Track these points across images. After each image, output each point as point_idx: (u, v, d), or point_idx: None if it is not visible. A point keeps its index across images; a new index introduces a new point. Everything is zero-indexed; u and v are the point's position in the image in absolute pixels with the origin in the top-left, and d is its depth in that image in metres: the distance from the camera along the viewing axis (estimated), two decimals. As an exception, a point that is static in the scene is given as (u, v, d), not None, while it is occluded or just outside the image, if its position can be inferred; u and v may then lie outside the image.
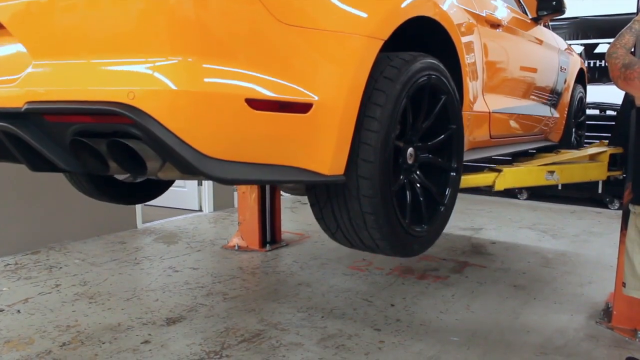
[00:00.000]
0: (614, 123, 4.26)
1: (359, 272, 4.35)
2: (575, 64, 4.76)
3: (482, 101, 2.90)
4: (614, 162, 3.97)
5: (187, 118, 1.52)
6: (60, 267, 4.40)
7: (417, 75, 2.08)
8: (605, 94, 6.78)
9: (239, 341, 3.08)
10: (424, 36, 2.38)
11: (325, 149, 1.81)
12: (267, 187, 4.99)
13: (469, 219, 6.55)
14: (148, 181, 3.29)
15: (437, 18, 2.30)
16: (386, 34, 1.96)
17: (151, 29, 1.55)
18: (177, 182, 6.80)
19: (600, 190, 7.32)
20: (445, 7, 2.40)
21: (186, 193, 6.88)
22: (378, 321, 3.38)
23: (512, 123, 3.44)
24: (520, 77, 3.59)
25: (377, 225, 2.01)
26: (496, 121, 3.11)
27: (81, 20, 1.67)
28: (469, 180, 3.01)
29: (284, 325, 3.30)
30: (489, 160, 3.70)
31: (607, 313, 3.46)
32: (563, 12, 3.85)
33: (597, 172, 3.95)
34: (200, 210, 6.84)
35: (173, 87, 1.50)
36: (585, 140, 5.33)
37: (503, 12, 3.27)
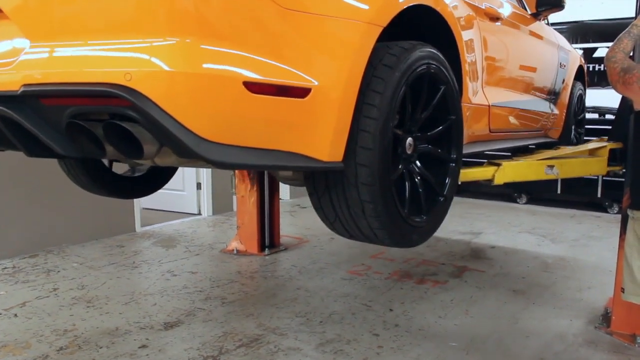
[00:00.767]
0: (613, 117, 4.24)
1: (358, 277, 4.34)
2: (575, 61, 4.76)
3: (481, 94, 2.90)
4: (613, 157, 3.95)
5: (184, 100, 1.51)
6: (58, 271, 4.39)
7: (416, 63, 2.07)
8: (605, 98, 6.78)
9: (237, 346, 3.07)
10: (422, 28, 2.37)
11: (323, 135, 1.80)
12: (266, 191, 4.99)
13: (468, 223, 6.55)
14: (145, 175, 3.29)
15: (436, 7, 2.29)
16: (385, 20, 1.96)
17: (148, 9, 1.54)
18: (176, 186, 6.82)
19: (599, 195, 7.32)
20: None
21: (185, 197, 6.87)
22: (376, 326, 3.37)
23: (512, 117, 3.44)
24: (520, 72, 3.59)
25: (375, 213, 1.99)
26: (496, 115, 3.10)
27: (77, 1, 1.66)
28: (468, 174, 3.00)
29: (283, 330, 3.29)
30: (489, 156, 3.69)
31: (606, 318, 3.45)
32: (562, 8, 3.84)
33: (597, 167, 3.94)
34: (199, 213, 6.83)
35: (170, 68, 1.49)
36: (585, 139, 5.31)
37: (502, 6, 3.27)
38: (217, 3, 1.56)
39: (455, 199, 8.45)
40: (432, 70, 2.18)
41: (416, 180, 2.25)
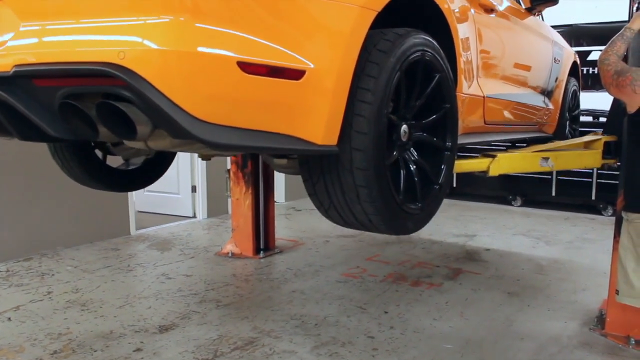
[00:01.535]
0: (608, 111, 4.22)
1: (353, 279, 4.34)
2: (569, 56, 4.77)
3: (476, 85, 2.90)
4: (608, 150, 3.95)
5: (178, 79, 1.50)
6: (53, 274, 4.38)
7: (410, 50, 2.08)
8: (599, 101, 6.80)
9: (232, 349, 3.06)
10: (417, 18, 2.37)
11: (318, 118, 1.79)
12: (261, 194, 4.99)
13: (462, 226, 6.56)
14: (139, 169, 3.29)
15: None
16: (379, 5, 1.96)
17: None
18: (171, 189, 6.82)
19: (593, 197, 7.35)
20: None
21: (180, 199, 6.86)
22: (372, 328, 3.37)
23: (507, 110, 3.44)
24: (515, 65, 3.59)
25: (370, 199, 1.99)
26: (490, 106, 3.10)
27: None
28: (463, 165, 3.00)
29: (278, 333, 3.28)
30: (485, 149, 3.68)
31: (600, 320, 3.45)
32: (556, 2, 3.85)
33: (592, 160, 3.93)
34: (194, 216, 6.82)
35: (164, 47, 1.48)
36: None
37: None
38: None
39: (450, 201, 8.50)
40: (427, 58, 2.18)
41: (411, 167, 2.25)
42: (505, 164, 3.22)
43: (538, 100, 4.05)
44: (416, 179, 2.25)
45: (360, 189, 1.98)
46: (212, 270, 4.58)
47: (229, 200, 5.39)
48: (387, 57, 1.97)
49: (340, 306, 3.74)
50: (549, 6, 3.92)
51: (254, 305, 3.76)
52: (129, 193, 5.69)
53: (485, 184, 8.24)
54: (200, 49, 1.51)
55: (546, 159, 3.56)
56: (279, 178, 7.64)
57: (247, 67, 1.58)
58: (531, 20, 3.90)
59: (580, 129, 5.34)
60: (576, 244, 5.72)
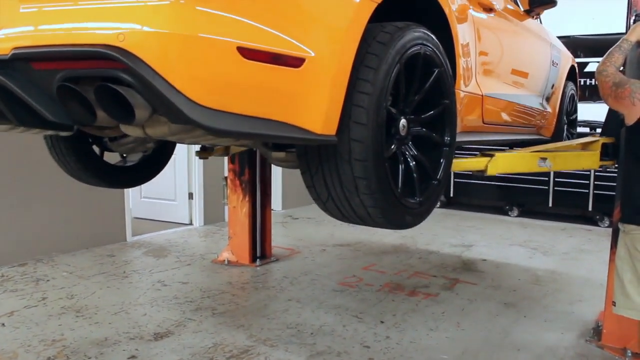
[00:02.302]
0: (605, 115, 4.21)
1: (350, 288, 4.33)
2: (567, 60, 4.77)
3: (475, 83, 2.91)
4: (606, 152, 3.95)
5: (178, 63, 1.49)
6: (48, 280, 4.36)
7: (410, 42, 2.09)
8: (596, 112, 6.82)
9: (227, 357, 3.04)
10: (418, 15, 2.38)
11: (317, 107, 1.79)
12: (258, 202, 4.99)
13: (459, 236, 6.56)
14: (137, 165, 3.29)
15: None
16: None
17: None
18: (168, 196, 6.81)
19: (590, 208, 7.36)
20: None
21: (177, 206, 6.85)
22: (367, 338, 3.36)
23: (505, 110, 3.44)
24: (513, 65, 3.60)
25: (368, 190, 1.98)
26: (489, 105, 3.11)
27: None
28: (462, 164, 2.99)
29: (273, 342, 3.27)
30: (483, 149, 3.67)
31: (597, 331, 3.45)
32: (555, 4, 3.86)
33: (590, 161, 3.92)
34: (191, 223, 6.80)
35: (164, 29, 1.47)
36: None
37: None
38: None
39: (447, 211, 8.48)
40: (426, 52, 2.19)
41: (410, 162, 2.25)
42: (503, 163, 3.21)
43: (536, 102, 4.05)
44: (415, 173, 2.25)
45: (358, 181, 1.97)
46: (208, 278, 4.56)
47: (226, 207, 5.37)
48: (387, 48, 1.98)
49: (336, 315, 3.73)
50: (547, 8, 3.94)
51: (250, 313, 3.75)
52: (126, 199, 5.67)
53: (483, 194, 8.25)
54: (199, 32, 1.50)
55: (544, 159, 3.54)
56: (276, 186, 7.64)
57: (247, 53, 1.57)
58: (529, 22, 3.92)
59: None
60: (573, 255, 5.72)
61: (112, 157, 3.22)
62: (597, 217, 7.35)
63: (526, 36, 3.85)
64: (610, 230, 3.50)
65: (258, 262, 5.00)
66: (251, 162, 4.95)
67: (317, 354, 3.11)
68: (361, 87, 1.92)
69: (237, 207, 5.01)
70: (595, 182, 7.30)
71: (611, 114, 3.96)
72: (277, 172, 7.65)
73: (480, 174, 3.11)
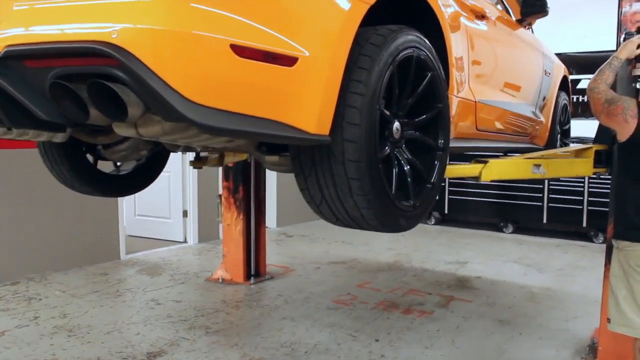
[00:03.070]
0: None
1: (344, 307, 4.31)
2: (559, 70, 4.80)
3: (468, 90, 2.92)
4: (599, 159, 3.96)
5: (172, 60, 1.48)
6: (40, 299, 4.32)
7: (403, 45, 2.10)
8: (589, 129, 6.85)
9: (221, 377, 3.02)
10: (411, 20, 2.39)
11: (310, 106, 1.79)
12: (252, 220, 4.98)
13: (454, 253, 6.55)
14: (130, 174, 3.28)
15: None
16: None
17: None
18: (162, 213, 6.79)
19: (584, 224, 7.36)
20: None
21: (171, 224, 6.82)
22: (362, 357, 3.33)
23: (498, 117, 3.45)
24: (506, 72, 3.61)
25: (362, 192, 1.98)
26: (482, 112, 3.11)
27: None
28: (455, 170, 2.99)
29: (267, 361, 3.24)
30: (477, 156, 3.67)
31: (592, 349, 3.44)
32: (546, 13, 3.90)
33: (584, 168, 3.92)
34: (185, 241, 6.77)
35: (158, 26, 1.47)
36: None
37: (487, 7, 3.32)
38: None
39: (441, 228, 8.44)
40: (419, 55, 2.21)
41: (404, 165, 2.25)
42: (497, 169, 3.21)
43: (529, 111, 4.07)
44: (409, 177, 2.25)
45: (352, 182, 1.97)
46: (202, 296, 4.53)
47: (220, 225, 5.36)
48: (380, 50, 2.00)
49: (330, 334, 3.71)
50: (539, 17, 3.97)
51: (244, 332, 3.72)
52: (120, 216, 5.65)
53: (477, 211, 8.25)
54: (194, 29, 1.50)
55: (538, 165, 3.53)
56: (271, 203, 7.63)
57: (239, 51, 1.57)
58: (522, 31, 3.96)
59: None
60: (567, 272, 5.72)
61: (106, 167, 3.20)
62: (592, 233, 7.36)
63: (518, 44, 3.89)
64: (604, 246, 3.50)
65: (252, 280, 4.98)
66: (245, 179, 4.95)
67: (311, 373, 3.09)
68: (354, 87, 1.93)
69: (231, 225, 5.00)
70: (590, 198, 7.33)
71: (602, 126, 3.98)
72: (271, 190, 7.64)
73: (474, 180, 3.11)
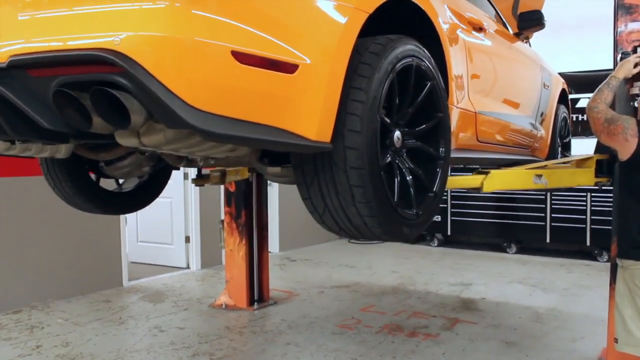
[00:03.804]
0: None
1: (349, 331, 4.28)
2: (558, 83, 4.83)
3: (467, 101, 2.93)
4: (600, 169, 3.96)
5: (174, 66, 1.49)
6: (42, 327, 4.30)
7: (402, 54, 2.12)
8: (590, 147, 6.87)
9: (225, 404, 2.99)
10: (409, 31, 2.42)
11: (311, 113, 1.80)
12: (255, 244, 4.97)
13: (458, 274, 6.51)
14: (133, 191, 3.29)
15: (420, 4, 2.35)
16: (371, 7, 2.01)
17: None
18: (165, 239, 6.78)
19: (588, 243, 7.33)
20: None
21: (173, 250, 6.81)
22: (368, 381, 3.30)
23: (499, 129, 3.46)
24: (505, 84, 3.63)
25: (365, 199, 1.98)
26: (482, 123, 3.12)
27: None
28: (457, 181, 2.99)
29: (272, 387, 3.21)
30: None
31: (600, 369, 3.40)
32: (543, 26, 3.93)
33: (585, 178, 3.91)
34: (188, 267, 6.75)
35: (159, 32, 1.48)
36: None
37: (485, 20, 3.35)
38: None
39: (445, 249, 8.41)
40: (419, 65, 2.23)
41: (406, 174, 2.25)
42: (498, 180, 3.20)
43: (529, 124, 4.08)
44: (411, 186, 2.26)
45: (354, 189, 1.97)
46: (205, 323, 4.50)
47: (223, 251, 5.35)
48: (379, 58, 2.02)
49: (335, 359, 3.68)
50: (535, 30, 4.00)
51: (248, 358, 3.69)
52: (122, 243, 5.65)
53: (480, 232, 8.23)
54: (196, 36, 1.52)
55: (539, 176, 3.53)
56: (273, 228, 7.62)
57: (241, 57, 1.59)
58: (519, 44, 3.99)
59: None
60: (573, 291, 5.68)
61: (108, 185, 3.21)
62: (596, 251, 7.33)
63: (517, 57, 3.92)
64: (609, 264, 3.48)
65: (256, 305, 4.95)
66: (247, 204, 4.95)
67: (316, 399, 3.05)
68: (355, 95, 1.94)
69: (234, 250, 4.99)
70: (593, 217, 7.30)
71: (601, 144, 3.99)
72: (273, 214, 7.64)
73: (475, 192, 3.11)
